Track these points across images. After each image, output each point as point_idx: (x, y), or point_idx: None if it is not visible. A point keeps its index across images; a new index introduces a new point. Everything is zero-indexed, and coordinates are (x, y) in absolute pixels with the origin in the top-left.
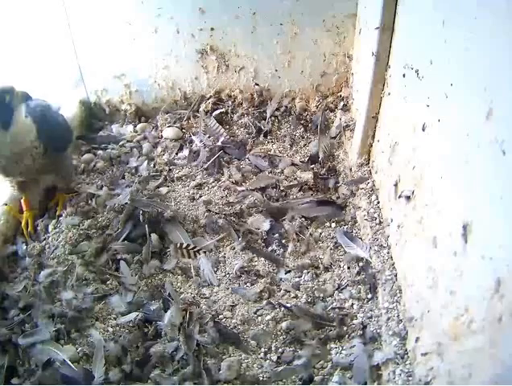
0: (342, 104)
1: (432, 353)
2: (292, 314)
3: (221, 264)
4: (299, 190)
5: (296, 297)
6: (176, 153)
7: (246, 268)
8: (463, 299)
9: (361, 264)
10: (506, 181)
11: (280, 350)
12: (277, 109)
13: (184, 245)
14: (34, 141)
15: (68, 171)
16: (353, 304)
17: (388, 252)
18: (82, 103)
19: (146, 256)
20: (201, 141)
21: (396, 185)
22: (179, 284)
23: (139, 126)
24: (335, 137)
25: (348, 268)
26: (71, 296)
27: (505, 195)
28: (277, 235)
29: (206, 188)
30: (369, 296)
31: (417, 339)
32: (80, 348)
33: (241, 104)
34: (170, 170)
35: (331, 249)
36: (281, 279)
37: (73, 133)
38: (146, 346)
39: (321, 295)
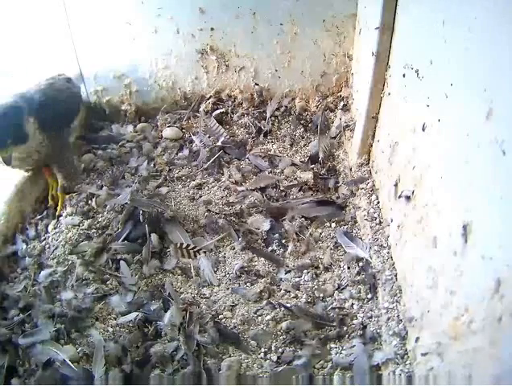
0: (342, 104)
1: (432, 353)
2: (292, 314)
3: (221, 264)
4: (299, 190)
5: (296, 297)
6: (176, 153)
7: (246, 268)
8: (463, 299)
9: (361, 264)
10: (506, 181)
11: (280, 350)
12: (277, 109)
13: (184, 245)
14: (37, 139)
15: (70, 166)
16: (353, 304)
17: (388, 252)
18: (82, 103)
19: (146, 256)
20: (201, 141)
21: (396, 185)
22: (179, 284)
23: (139, 126)
24: (335, 137)
25: (348, 268)
26: (71, 296)
27: (504, 195)
28: (277, 235)
29: (206, 188)
30: (369, 296)
31: (417, 339)
32: (80, 348)
33: (241, 104)
34: (170, 170)
35: (331, 249)
36: (281, 279)
37: (80, 105)
38: (146, 346)
39: (321, 295)
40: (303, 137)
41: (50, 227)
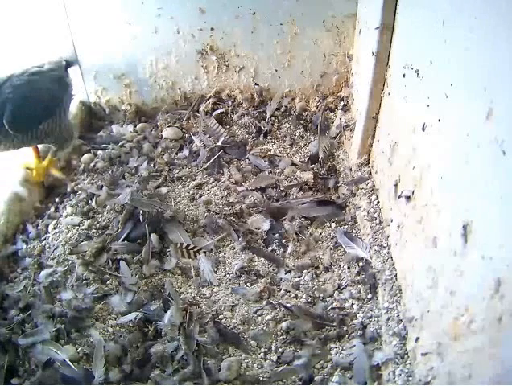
0: (342, 104)
1: (432, 353)
2: (292, 314)
3: (221, 264)
4: (299, 190)
5: (296, 297)
6: (176, 153)
7: (246, 268)
8: (463, 299)
9: (361, 264)
10: (506, 181)
11: (280, 350)
12: (277, 109)
13: (184, 245)
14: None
15: (63, 137)
16: (352, 304)
17: (388, 252)
18: (82, 103)
19: (146, 256)
20: (201, 141)
21: (396, 185)
22: (179, 284)
23: (139, 126)
24: (335, 137)
25: (348, 268)
26: (71, 296)
27: (504, 195)
28: (277, 235)
29: (206, 188)
30: (369, 296)
31: (417, 339)
32: (80, 348)
33: (241, 104)
34: (170, 170)
35: (331, 249)
36: (281, 279)
37: (65, 90)
38: (146, 346)
39: (321, 295)
40: (303, 137)
41: (50, 227)
